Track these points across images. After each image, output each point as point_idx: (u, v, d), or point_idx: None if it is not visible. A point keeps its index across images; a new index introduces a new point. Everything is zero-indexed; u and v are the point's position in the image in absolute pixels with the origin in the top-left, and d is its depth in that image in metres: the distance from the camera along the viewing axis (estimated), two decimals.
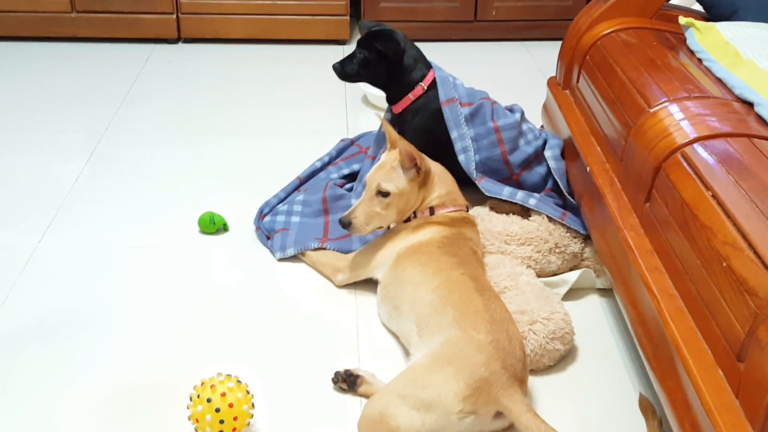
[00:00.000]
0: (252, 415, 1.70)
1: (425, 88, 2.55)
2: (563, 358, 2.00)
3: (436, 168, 2.23)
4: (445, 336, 1.79)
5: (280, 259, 2.35)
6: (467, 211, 2.25)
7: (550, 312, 1.99)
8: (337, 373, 1.89)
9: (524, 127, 2.59)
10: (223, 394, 1.65)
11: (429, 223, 2.15)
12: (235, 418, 1.65)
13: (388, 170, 2.13)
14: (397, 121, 2.62)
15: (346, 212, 2.14)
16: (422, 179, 2.15)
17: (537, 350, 1.94)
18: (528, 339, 1.93)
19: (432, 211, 2.18)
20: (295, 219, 2.48)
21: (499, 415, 1.68)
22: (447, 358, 1.71)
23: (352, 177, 2.73)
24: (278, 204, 2.58)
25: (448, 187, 2.22)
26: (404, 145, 2.11)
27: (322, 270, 2.29)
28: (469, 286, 1.89)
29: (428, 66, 2.59)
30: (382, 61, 2.53)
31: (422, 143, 2.50)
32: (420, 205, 2.19)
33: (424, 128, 2.54)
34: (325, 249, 2.34)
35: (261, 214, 2.53)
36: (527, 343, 1.93)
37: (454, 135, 2.48)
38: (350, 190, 2.65)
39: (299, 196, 2.58)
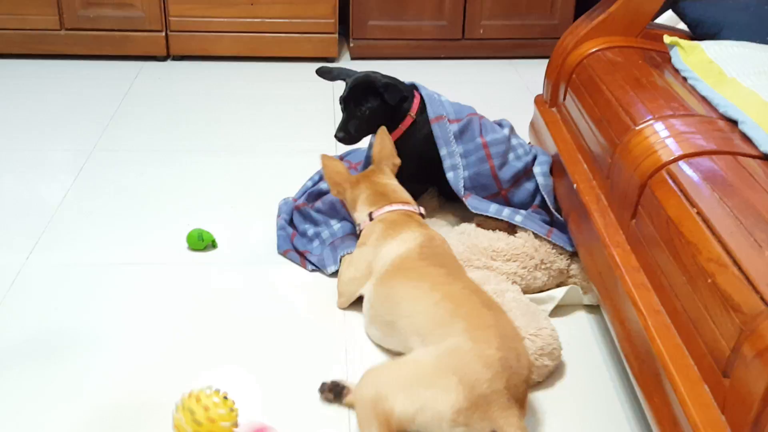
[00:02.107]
0: None
1: (414, 116, 2.52)
2: (551, 374, 2.01)
3: (371, 182, 2.32)
4: (455, 343, 1.76)
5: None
6: (417, 212, 2.26)
7: (538, 328, 2.00)
8: (323, 384, 1.89)
9: (514, 141, 2.60)
10: (207, 408, 1.65)
11: (383, 233, 2.16)
12: None
13: None
14: None
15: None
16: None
17: None
18: None
19: (371, 216, 2.24)
20: (325, 234, 2.50)
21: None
22: (453, 366, 1.69)
23: None
24: (286, 224, 2.58)
25: (378, 188, 2.30)
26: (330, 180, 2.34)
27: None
28: (475, 301, 1.87)
29: (411, 92, 2.56)
30: (384, 107, 2.49)
31: (417, 167, 2.52)
32: (355, 211, 2.30)
33: (416, 153, 2.53)
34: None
35: (291, 234, 2.53)
36: None
37: (443, 152, 2.49)
38: None
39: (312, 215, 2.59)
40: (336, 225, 2.50)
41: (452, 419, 1.64)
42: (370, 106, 2.47)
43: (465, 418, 1.65)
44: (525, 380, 1.74)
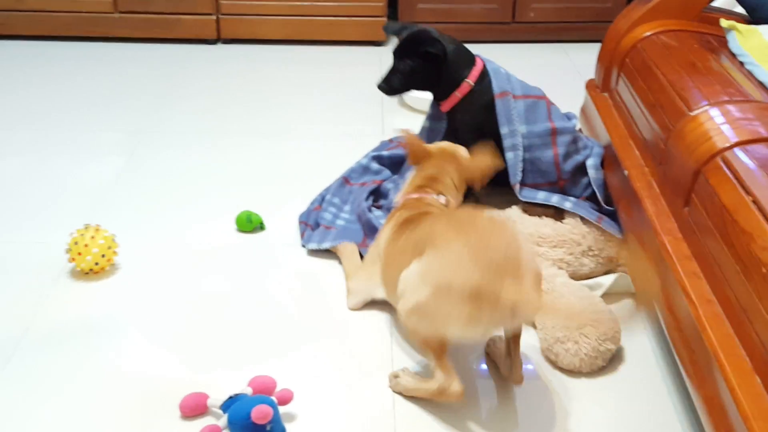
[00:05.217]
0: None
1: (472, 84, 2.47)
2: (613, 357, 2.00)
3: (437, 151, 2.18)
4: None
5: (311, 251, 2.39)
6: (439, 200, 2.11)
7: (596, 313, 1.99)
8: None
9: (577, 134, 2.56)
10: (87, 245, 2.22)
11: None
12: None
13: None
14: (446, 118, 2.59)
15: None
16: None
17: (590, 353, 1.93)
18: (579, 343, 1.93)
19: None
20: (340, 222, 2.50)
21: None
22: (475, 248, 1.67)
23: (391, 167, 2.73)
24: (323, 200, 2.60)
25: (430, 170, 2.14)
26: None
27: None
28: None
29: (472, 59, 2.51)
30: (431, 64, 2.45)
31: (475, 139, 2.43)
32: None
33: (475, 124, 2.48)
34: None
35: (314, 207, 2.56)
36: (579, 348, 1.93)
37: (504, 131, 2.44)
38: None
39: (346, 203, 2.59)
40: (346, 214, 2.52)
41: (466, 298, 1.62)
42: (410, 65, 2.46)
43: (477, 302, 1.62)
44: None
